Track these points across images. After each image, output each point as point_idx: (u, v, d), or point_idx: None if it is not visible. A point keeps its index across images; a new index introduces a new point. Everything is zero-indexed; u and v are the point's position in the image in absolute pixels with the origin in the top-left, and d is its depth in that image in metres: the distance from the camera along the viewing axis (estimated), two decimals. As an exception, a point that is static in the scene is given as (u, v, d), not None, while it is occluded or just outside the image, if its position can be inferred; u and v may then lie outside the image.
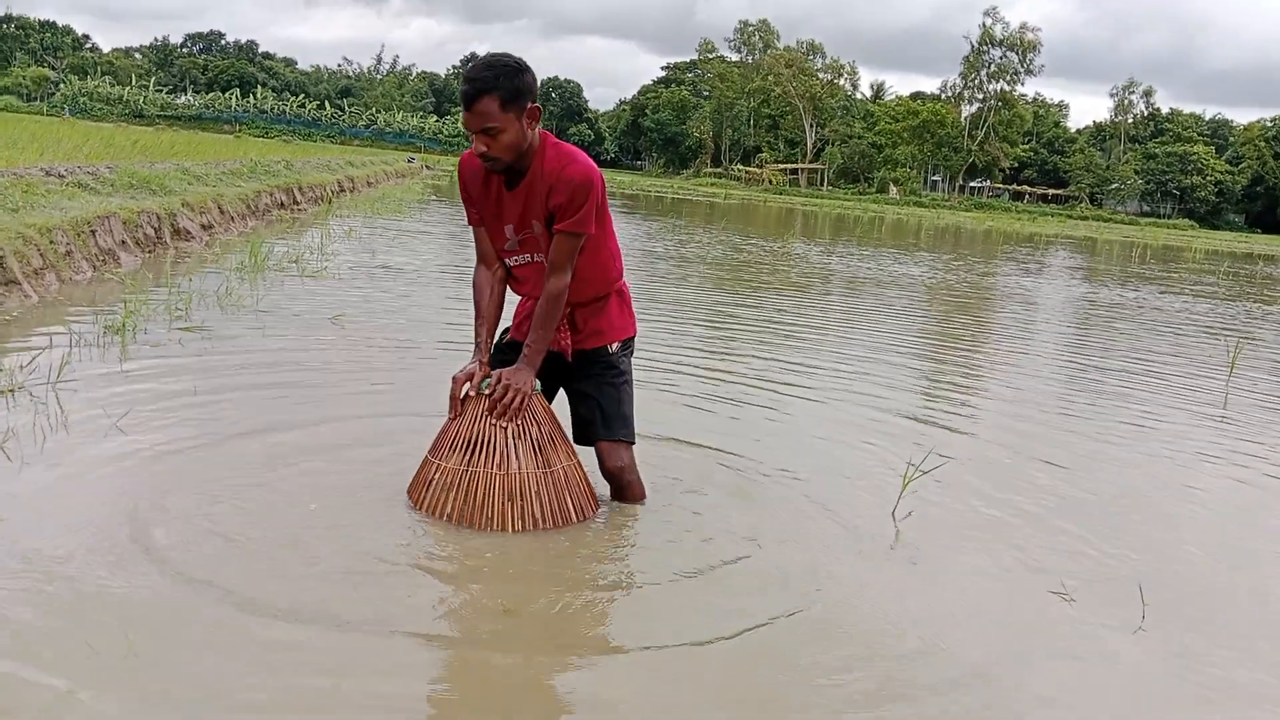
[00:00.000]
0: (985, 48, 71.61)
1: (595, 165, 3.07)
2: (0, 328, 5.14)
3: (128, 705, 1.99)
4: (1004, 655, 2.59)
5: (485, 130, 2.84)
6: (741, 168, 78.04)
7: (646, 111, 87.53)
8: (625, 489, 3.34)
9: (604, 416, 3.26)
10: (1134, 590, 2.98)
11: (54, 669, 2.06)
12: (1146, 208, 77.47)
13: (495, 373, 3.09)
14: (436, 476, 3.11)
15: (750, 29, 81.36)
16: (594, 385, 3.27)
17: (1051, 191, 78.28)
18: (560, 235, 3.01)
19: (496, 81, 2.81)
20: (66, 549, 2.63)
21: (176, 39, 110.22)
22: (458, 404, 3.13)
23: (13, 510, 2.83)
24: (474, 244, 3.21)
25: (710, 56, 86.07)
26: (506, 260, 3.17)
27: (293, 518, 3.02)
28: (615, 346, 3.29)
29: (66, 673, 2.05)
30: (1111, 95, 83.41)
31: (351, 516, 3.08)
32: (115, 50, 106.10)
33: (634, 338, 3.38)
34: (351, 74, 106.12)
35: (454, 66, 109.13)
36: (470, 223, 3.18)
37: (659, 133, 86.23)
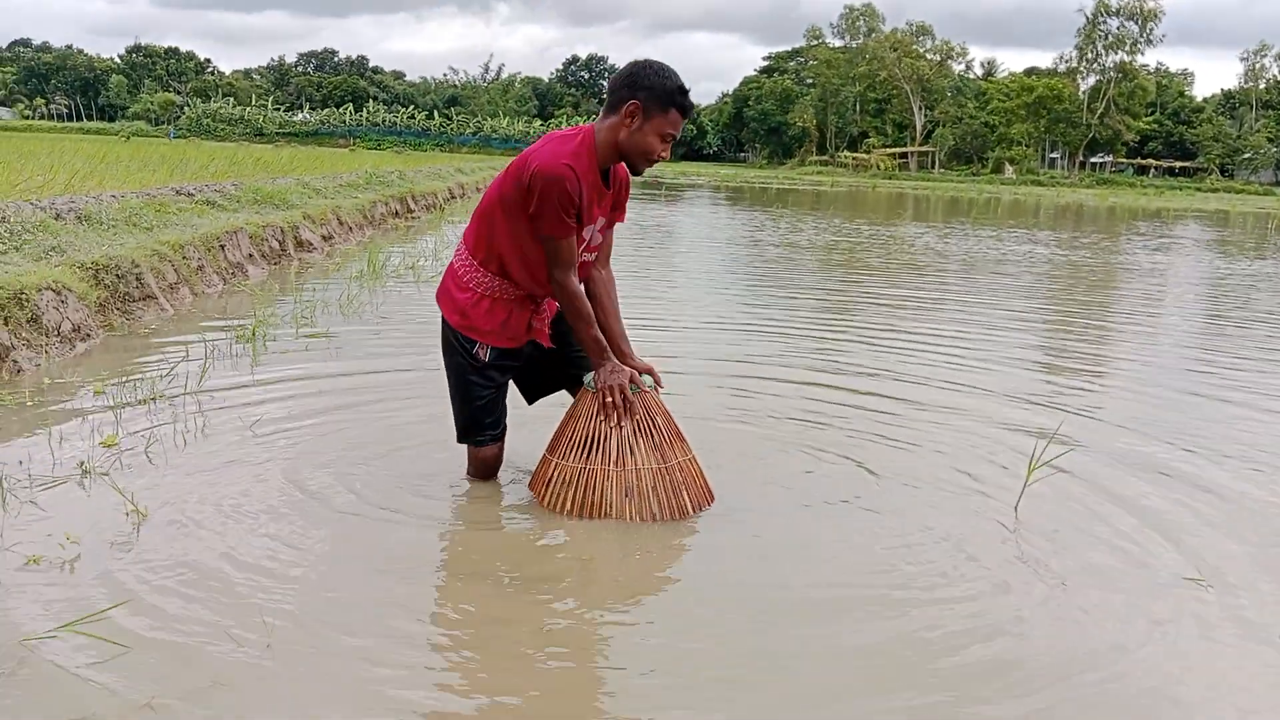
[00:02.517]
0: (1101, 18, 68.85)
1: None
2: (140, 340, 5.41)
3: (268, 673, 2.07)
4: (1132, 646, 2.47)
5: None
6: (848, 154, 76.84)
7: (749, 103, 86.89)
8: None
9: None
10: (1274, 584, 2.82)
11: (199, 650, 2.15)
12: (1282, 177, 73.32)
13: (589, 376, 3.13)
14: (555, 474, 3.15)
15: (855, 13, 79.96)
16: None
17: (1179, 164, 74.69)
18: (614, 227, 3.21)
19: None
20: (204, 544, 2.75)
21: (291, 59, 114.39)
22: (617, 410, 3.09)
23: (158, 510, 2.97)
24: (559, 256, 2.97)
25: (815, 43, 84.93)
26: None
27: (427, 511, 3.10)
28: None
29: (214, 657, 2.14)
30: (1242, 60, 79.27)
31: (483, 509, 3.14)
32: (235, 72, 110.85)
33: None
34: (458, 83, 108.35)
35: (557, 70, 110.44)
36: (565, 234, 2.94)
37: (762, 123, 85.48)
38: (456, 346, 3.19)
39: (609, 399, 3.07)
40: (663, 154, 2.94)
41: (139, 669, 2.11)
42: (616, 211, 3.17)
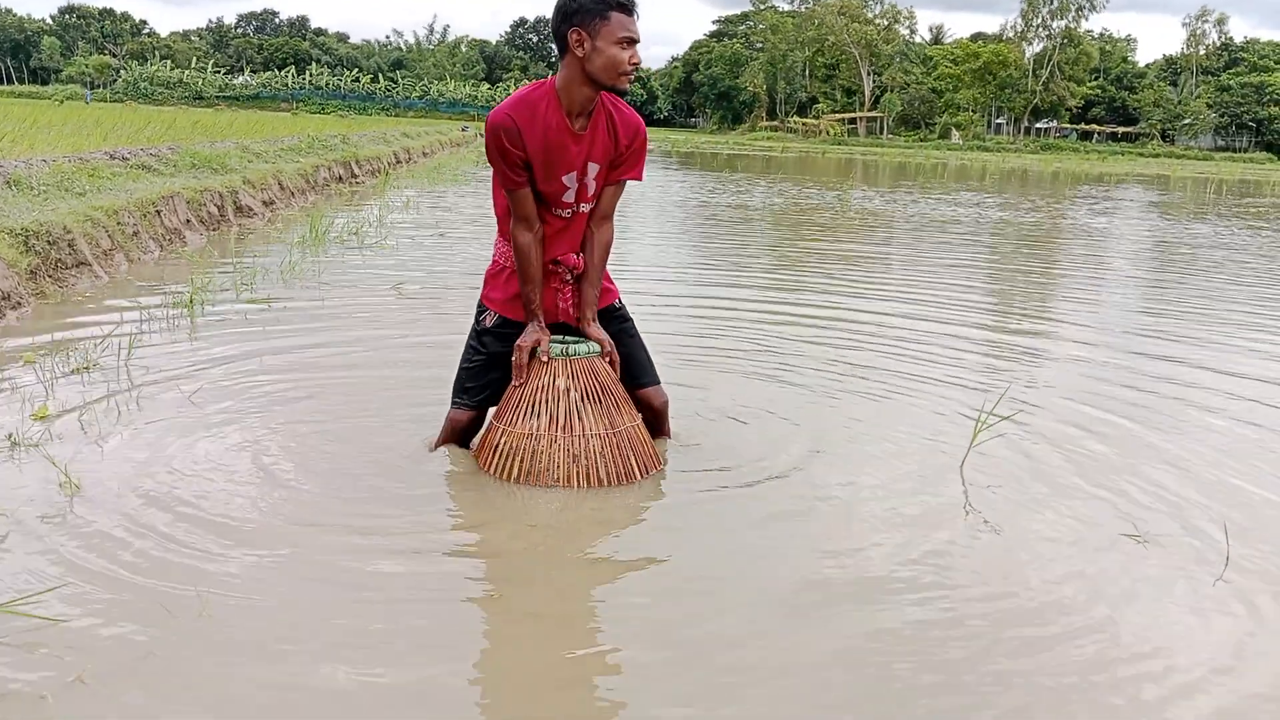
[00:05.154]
0: (1046, -17, 69.41)
1: None
2: (73, 308, 5.26)
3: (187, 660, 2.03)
4: (1066, 600, 2.51)
5: (638, 41, 2.85)
6: (798, 119, 76.94)
7: (699, 67, 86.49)
8: (664, 424, 3.45)
9: (642, 367, 3.34)
10: (1214, 540, 2.88)
11: (131, 621, 2.10)
12: (1221, 142, 74.74)
13: (593, 341, 3.12)
14: (502, 441, 3.11)
15: (805, -24, 79.73)
16: (619, 342, 3.25)
17: (1121, 129, 75.84)
18: (618, 185, 3.09)
19: None
20: (140, 516, 2.68)
21: (230, 20, 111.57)
22: (522, 371, 3.11)
23: (91, 482, 2.90)
24: (505, 206, 3.03)
25: (763, 8, 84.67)
26: (559, 212, 3.05)
27: (366, 480, 3.05)
28: (619, 301, 3.35)
29: (145, 628, 2.09)
30: (1184, 25, 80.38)
31: (414, 475, 3.11)
32: (173, 34, 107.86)
33: None
34: (404, 46, 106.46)
35: (505, 32, 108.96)
36: (511, 186, 2.95)
37: (712, 88, 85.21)
38: (476, 311, 3.28)
39: (513, 357, 3.08)
40: (633, 60, 2.83)
41: (69, 642, 2.05)
42: (623, 169, 3.06)
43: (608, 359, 3.16)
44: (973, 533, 2.91)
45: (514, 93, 2.99)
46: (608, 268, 3.30)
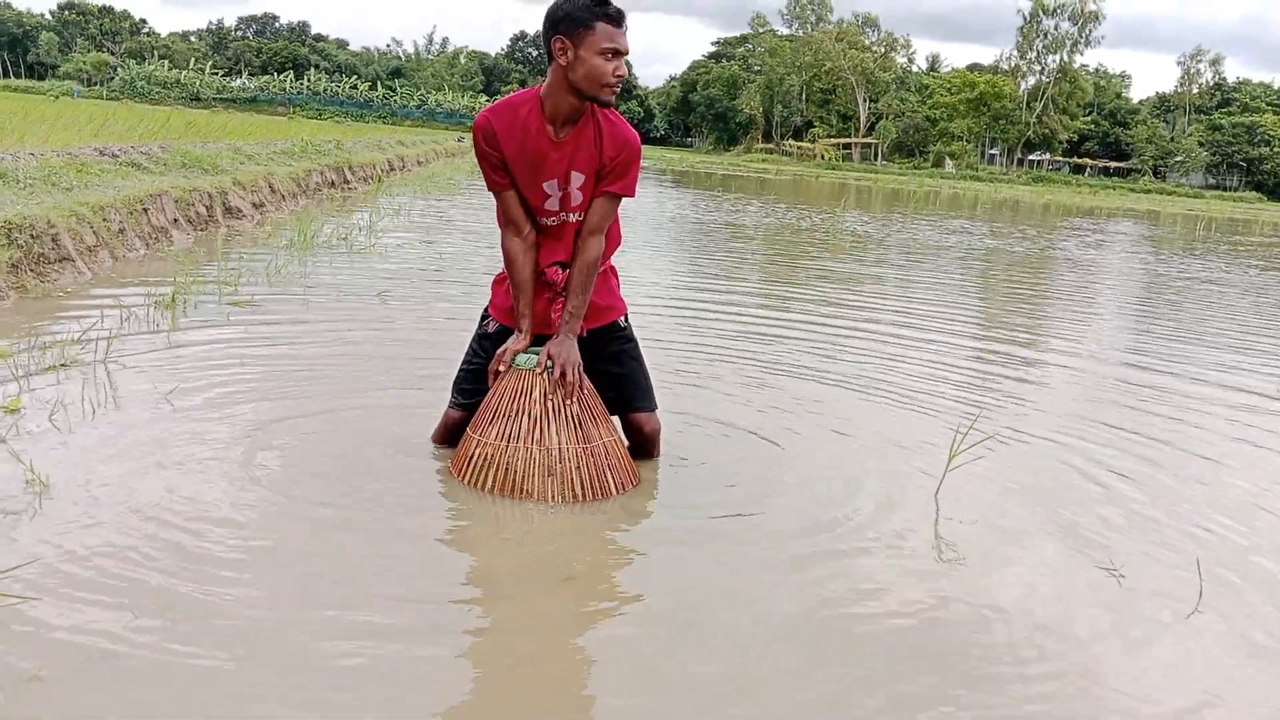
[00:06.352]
0: (1039, 19, 70.00)
1: None
2: (54, 303, 5.21)
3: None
4: (1051, 634, 2.49)
5: (624, 53, 2.84)
6: (793, 143, 77.28)
7: (696, 88, 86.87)
8: (653, 449, 3.43)
9: (639, 390, 3.32)
10: (1189, 573, 2.87)
11: (94, 623, 2.06)
12: (1212, 180, 75.24)
13: (542, 351, 3.05)
14: (477, 451, 3.09)
15: (804, 2, 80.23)
16: (617, 362, 3.26)
17: (1113, 164, 76.29)
18: (606, 197, 3.02)
19: None
20: (108, 517, 2.64)
21: (230, 22, 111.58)
22: (494, 377, 3.11)
23: (60, 478, 2.85)
24: (499, 211, 3.05)
25: (762, 31, 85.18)
26: (544, 220, 3.05)
27: (341, 486, 3.01)
28: (624, 320, 3.32)
29: (108, 631, 2.05)
30: (1179, 64, 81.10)
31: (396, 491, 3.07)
32: (172, 34, 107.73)
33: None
34: (402, 55, 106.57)
35: (505, 46, 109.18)
36: (494, 189, 3.00)
37: (709, 109, 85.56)
38: (480, 316, 3.33)
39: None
40: (618, 72, 2.80)
41: (29, 640, 2.02)
42: (609, 180, 2.98)
43: (561, 380, 3.02)
44: (942, 563, 2.89)
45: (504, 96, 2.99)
46: (619, 282, 3.30)
